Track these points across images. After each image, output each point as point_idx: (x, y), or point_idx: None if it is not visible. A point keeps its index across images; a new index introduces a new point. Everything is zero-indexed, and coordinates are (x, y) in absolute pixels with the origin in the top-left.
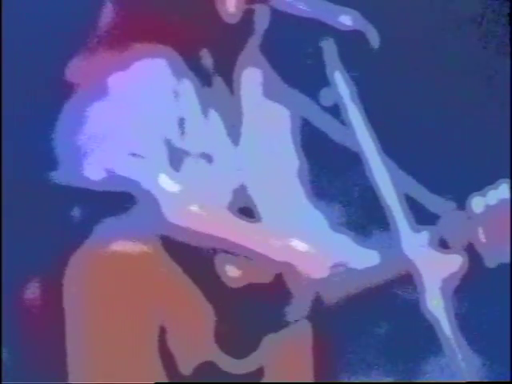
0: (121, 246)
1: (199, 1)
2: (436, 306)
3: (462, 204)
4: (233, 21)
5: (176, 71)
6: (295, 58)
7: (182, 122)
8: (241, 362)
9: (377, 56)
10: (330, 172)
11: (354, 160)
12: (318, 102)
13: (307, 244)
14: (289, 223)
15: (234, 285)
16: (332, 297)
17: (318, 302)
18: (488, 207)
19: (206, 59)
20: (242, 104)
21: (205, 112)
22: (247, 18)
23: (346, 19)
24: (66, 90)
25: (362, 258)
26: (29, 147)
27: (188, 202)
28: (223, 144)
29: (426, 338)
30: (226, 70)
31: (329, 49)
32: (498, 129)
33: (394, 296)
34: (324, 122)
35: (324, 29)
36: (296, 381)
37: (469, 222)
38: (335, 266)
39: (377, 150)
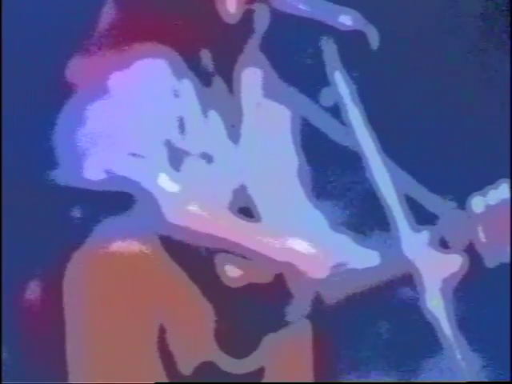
0: (121, 246)
1: (199, 1)
2: (436, 305)
3: (462, 204)
4: (233, 21)
5: (176, 71)
6: (295, 58)
7: (181, 122)
8: (241, 361)
9: (377, 56)
10: (330, 172)
11: (354, 160)
12: (318, 102)
13: (307, 244)
14: (289, 223)
15: (233, 284)
16: (332, 297)
17: (318, 301)
18: (488, 207)
19: (206, 59)
20: (242, 104)
21: (205, 112)
22: (247, 18)
23: (346, 19)
24: (65, 90)
25: (362, 258)
26: (29, 147)
27: (188, 201)
28: (223, 144)
29: (425, 338)
30: (226, 70)
31: (329, 49)
32: (498, 129)
33: (394, 296)
34: (324, 122)
35: (324, 29)
36: (296, 381)
37: (469, 222)
38: (336, 266)
39: (377, 149)
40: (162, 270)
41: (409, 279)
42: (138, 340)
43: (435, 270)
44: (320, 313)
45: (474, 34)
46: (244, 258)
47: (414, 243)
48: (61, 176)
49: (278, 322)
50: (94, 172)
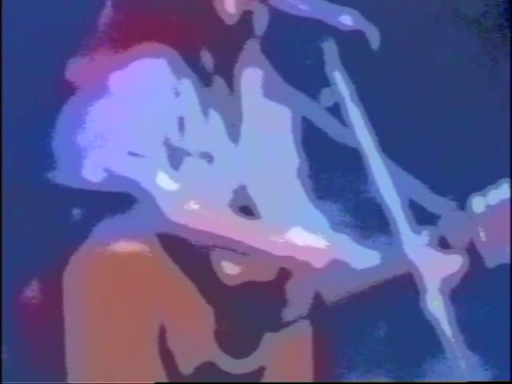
0: (121, 246)
1: (199, 1)
2: (436, 306)
3: (462, 204)
4: (232, 21)
5: (176, 71)
6: (295, 57)
7: (181, 122)
8: (241, 361)
9: (377, 56)
10: (330, 172)
11: (355, 160)
12: (318, 102)
13: (308, 244)
14: (289, 223)
15: (234, 284)
16: (332, 297)
17: (318, 301)
18: (488, 207)
19: (206, 59)
20: (242, 103)
21: (205, 111)
22: (247, 17)
23: (347, 19)
24: (65, 90)
25: (363, 257)
26: (29, 147)
27: (187, 200)
28: (223, 143)
29: (426, 338)
30: (226, 70)
31: (329, 49)
32: (498, 129)
33: (395, 296)
34: (324, 122)
35: (324, 29)
36: (296, 381)
37: (469, 222)
38: (336, 266)
39: (377, 149)
40: (161, 270)
41: (409, 279)
42: (137, 340)
43: (435, 270)
44: (320, 313)
45: (473, 33)
46: (244, 255)
47: (415, 243)
48: (60, 176)
49: (277, 322)
50: (93, 172)
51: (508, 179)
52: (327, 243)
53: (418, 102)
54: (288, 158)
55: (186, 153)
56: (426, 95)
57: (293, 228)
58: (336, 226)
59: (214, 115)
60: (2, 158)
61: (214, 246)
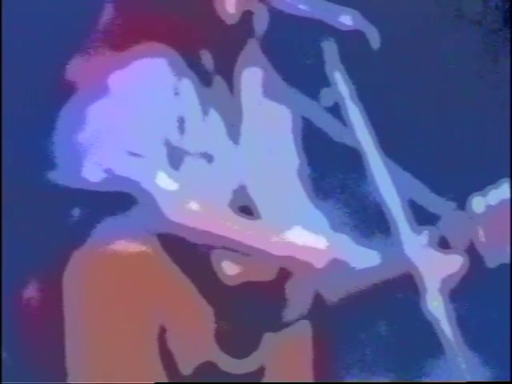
0: (121, 246)
1: (199, 0)
2: (436, 306)
3: (462, 204)
4: (233, 20)
5: (176, 70)
6: (295, 57)
7: (181, 122)
8: (241, 361)
9: (377, 56)
10: (330, 172)
11: (355, 160)
12: (318, 102)
13: (308, 244)
14: (289, 223)
15: (234, 284)
16: (332, 297)
17: (318, 301)
18: (489, 207)
19: (206, 58)
20: (242, 103)
21: (205, 111)
22: (247, 17)
23: (347, 19)
24: (65, 90)
25: (363, 257)
26: (29, 147)
27: (187, 200)
28: (223, 143)
29: (426, 338)
30: (226, 70)
31: (329, 49)
32: (498, 129)
33: (395, 296)
34: (324, 122)
35: (324, 29)
36: (296, 381)
37: (469, 222)
38: (336, 266)
39: (377, 150)
40: (161, 270)
41: (409, 279)
42: (137, 340)
43: (435, 270)
44: (320, 313)
45: (474, 33)
46: (244, 255)
47: (415, 243)
48: (60, 176)
49: (277, 322)
50: (93, 172)
51: (508, 179)
52: (327, 243)
53: (418, 102)
54: (288, 158)
55: (186, 153)
56: (426, 95)
57: (293, 228)
58: (336, 226)
59: (214, 115)
60: (2, 158)
61: (214, 246)
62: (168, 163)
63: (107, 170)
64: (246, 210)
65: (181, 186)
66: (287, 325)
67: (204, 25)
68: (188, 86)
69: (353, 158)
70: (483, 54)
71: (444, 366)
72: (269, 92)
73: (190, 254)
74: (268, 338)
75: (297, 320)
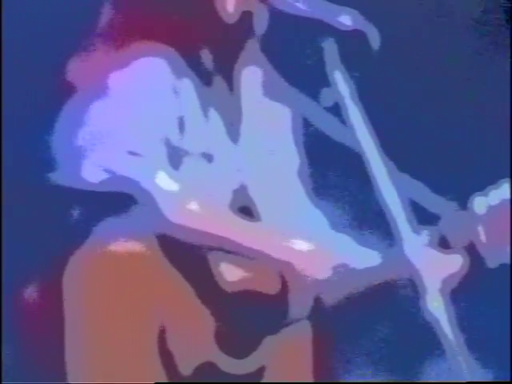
0: (120, 246)
1: (199, 0)
2: (436, 306)
3: (463, 204)
4: (233, 20)
5: (176, 70)
6: (295, 57)
7: (181, 121)
8: (241, 362)
9: (377, 56)
10: (331, 172)
11: (355, 160)
12: (318, 102)
13: (308, 244)
14: (289, 223)
15: (234, 284)
16: (332, 297)
17: (318, 302)
18: (489, 207)
19: (206, 58)
20: (242, 103)
21: (204, 111)
22: (247, 17)
23: (347, 19)
24: (65, 90)
25: (363, 258)
26: (29, 147)
27: (187, 200)
28: (223, 143)
29: (426, 339)
30: (226, 69)
31: (329, 48)
32: (499, 129)
33: (395, 296)
34: (324, 122)
35: (324, 29)
36: (296, 381)
37: (470, 222)
38: (336, 266)
39: (377, 149)
40: (161, 270)
41: (409, 279)
42: (137, 340)
43: (436, 271)
44: (320, 313)
45: (474, 34)
46: (244, 257)
47: (415, 243)
48: (60, 176)
49: (277, 323)
50: (93, 172)
51: (508, 179)
52: (328, 247)
53: (418, 102)
54: (288, 157)
55: (186, 152)
56: (426, 95)
57: (294, 231)
58: (336, 226)
59: (214, 115)
60: (2, 157)
61: (214, 247)
62: (168, 163)
63: (107, 170)
64: (246, 210)
65: (181, 185)
66: (287, 325)
67: (204, 24)
68: (188, 86)
69: (353, 158)
70: (483, 54)
71: (444, 366)
72: (269, 92)
73: (189, 254)
74: (268, 338)
75: (297, 320)
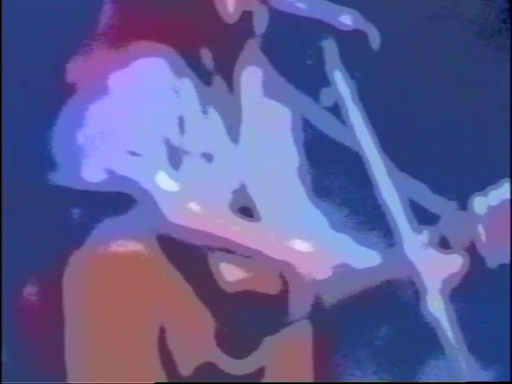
0: (120, 246)
1: (199, 0)
2: (437, 306)
3: (463, 204)
4: (233, 20)
5: (176, 70)
6: (295, 57)
7: (181, 121)
8: (241, 362)
9: (377, 56)
10: (331, 172)
11: (355, 159)
12: (318, 102)
13: (308, 244)
14: (289, 223)
15: (233, 284)
16: (332, 297)
17: (318, 302)
18: (490, 207)
19: (206, 58)
20: (242, 103)
21: (204, 111)
22: (247, 17)
23: (347, 19)
24: (65, 90)
25: (363, 258)
26: (29, 147)
27: (187, 201)
28: (223, 143)
29: (426, 339)
30: (226, 69)
31: (329, 48)
32: (498, 129)
33: (395, 296)
34: (324, 122)
35: (324, 29)
36: (296, 381)
37: (470, 223)
38: (336, 266)
39: (377, 149)
40: (161, 271)
41: (409, 279)
42: (137, 340)
43: (436, 271)
44: (320, 313)
45: (474, 34)
46: (243, 257)
47: (415, 243)
48: (60, 176)
49: (277, 323)
50: (93, 173)
51: (508, 179)
52: (327, 250)
53: (418, 102)
54: (288, 157)
55: (186, 152)
56: (426, 95)
57: (294, 231)
58: (336, 226)
59: (214, 114)
60: (2, 157)
61: (214, 248)
62: (168, 163)
63: (107, 170)
64: (246, 210)
65: (181, 185)
66: (287, 325)
67: (204, 24)
68: (188, 85)
69: (353, 158)
70: (483, 54)
71: (444, 366)
72: (269, 92)
73: (189, 254)
74: (268, 338)
75: (297, 320)
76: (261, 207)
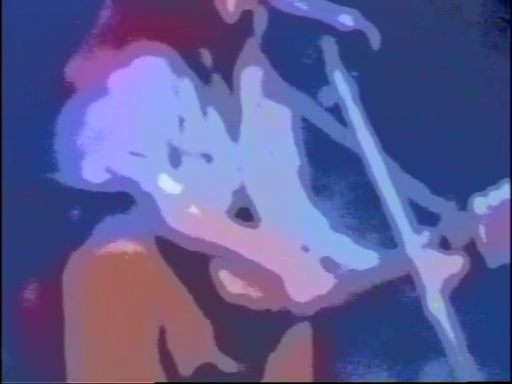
0: (120, 247)
1: (199, 0)
2: (437, 307)
3: (463, 204)
4: (232, 20)
5: (175, 70)
6: (295, 57)
7: (181, 121)
8: (241, 362)
9: (377, 56)
10: (330, 172)
11: (355, 160)
12: (318, 102)
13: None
14: (288, 223)
15: (232, 289)
16: (332, 297)
17: (318, 302)
18: (490, 208)
19: (206, 57)
20: (242, 103)
21: (204, 111)
22: (247, 17)
23: (347, 19)
24: (65, 90)
25: (363, 258)
26: (29, 147)
27: (187, 202)
28: (222, 143)
29: (426, 339)
30: (226, 68)
31: (329, 48)
32: (498, 129)
33: (395, 297)
34: (324, 122)
35: (324, 28)
36: (296, 381)
37: (470, 223)
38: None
39: (377, 150)
40: (161, 271)
41: (410, 280)
42: (137, 340)
43: (436, 271)
44: (320, 313)
45: (474, 34)
46: (242, 262)
47: (415, 244)
48: (61, 176)
49: (277, 326)
50: (93, 173)
51: (508, 179)
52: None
53: (418, 102)
54: (288, 157)
55: (186, 152)
56: (426, 95)
57: (293, 232)
58: (336, 227)
59: (214, 114)
60: (2, 158)
61: (211, 252)
62: (168, 163)
63: (108, 170)
64: (246, 210)
65: (180, 186)
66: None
67: (204, 24)
68: (187, 85)
69: (353, 158)
70: (483, 54)
71: (444, 366)
72: (269, 91)
73: (188, 255)
74: (268, 338)
75: (297, 321)
76: (260, 207)
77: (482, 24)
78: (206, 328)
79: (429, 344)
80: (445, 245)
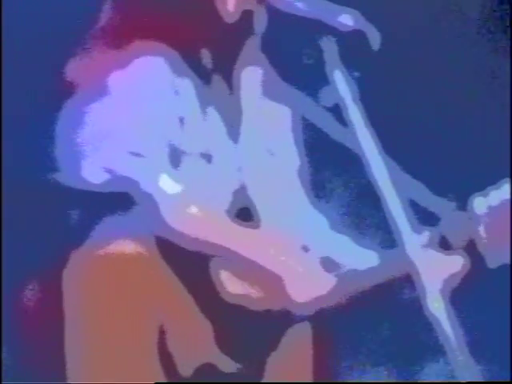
0: (120, 247)
1: (199, 0)
2: (437, 306)
3: (463, 204)
4: (232, 20)
5: (175, 70)
6: (295, 57)
7: (181, 121)
8: (240, 362)
9: (377, 56)
10: (331, 172)
11: (355, 160)
12: (318, 102)
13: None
14: (288, 223)
15: (232, 289)
16: (332, 297)
17: (318, 302)
18: (490, 208)
19: (206, 58)
20: (242, 102)
21: (204, 111)
22: (247, 17)
23: (347, 19)
24: (65, 90)
25: (363, 258)
26: (29, 147)
27: (187, 203)
28: (222, 143)
29: (426, 339)
30: (226, 69)
31: (329, 48)
32: (498, 129)
33: (395, 297)
34: (324, 122)
35: (324, 28)
36: (296, 381)
37: (470, 223)
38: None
39: (377, 150)
40: (161, 271)
41: (410, 280)
42: (137, 340)
43: (436, 271)
44: (320, 313)
45: (474, 34)
46: (242, 263)
47: (415, 244)
48: (61, 176)
49: (277, 326)
50: (94, 173)
51: (508, 179)
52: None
53: (419, 102)
54: (288, 157)
55: (186, 152)
56: (426, 95)
57: (293, 232)
58: (336, 227)
59: (214, 114)
60: (2, 157)
61: (211, 252)
62: (168, 163)
63: (108, 170)
64: (246, 210)
65: (180, 186)
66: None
67: (204, 24)
68: (188, 85)
69: (353, 158)
70: (483, 53)
71: (444, 366)
72: (268, 91)
73: (188, 255)
74: (268, 338)
75: (297, 321)
76: (260, 208)
77: (482, 24)
78: (206, 328)
79: (429, 344)
80: (445, 245)
